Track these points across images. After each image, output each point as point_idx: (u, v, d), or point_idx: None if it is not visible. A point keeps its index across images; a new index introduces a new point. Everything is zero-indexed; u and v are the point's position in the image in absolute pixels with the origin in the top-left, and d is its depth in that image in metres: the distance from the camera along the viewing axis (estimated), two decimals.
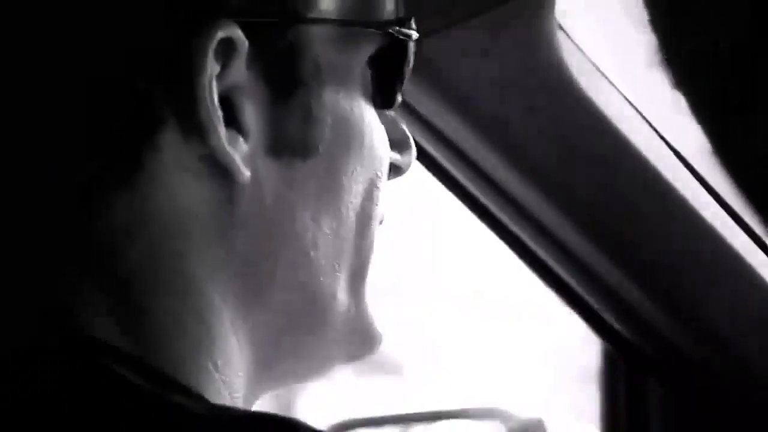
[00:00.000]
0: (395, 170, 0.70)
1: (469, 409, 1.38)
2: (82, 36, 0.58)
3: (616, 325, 1.20)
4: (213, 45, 0.58)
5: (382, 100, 0.67)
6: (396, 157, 0.70)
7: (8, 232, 0.60)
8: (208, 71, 0.58)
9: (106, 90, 0.58)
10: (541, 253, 1.16)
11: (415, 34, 0.67)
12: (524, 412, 1.32)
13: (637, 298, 1.15)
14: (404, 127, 0.71)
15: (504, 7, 0.98)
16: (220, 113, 0.58)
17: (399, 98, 0.68)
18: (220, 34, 0.58)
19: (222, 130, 0.58)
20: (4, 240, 0.60)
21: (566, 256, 1.14)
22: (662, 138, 1.09)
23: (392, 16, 0.66)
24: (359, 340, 0.68)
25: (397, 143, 0.70)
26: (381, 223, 0.68)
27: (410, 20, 0.67)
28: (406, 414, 1.42)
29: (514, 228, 1.14)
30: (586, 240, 1.12)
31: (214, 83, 0.58)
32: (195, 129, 0.58)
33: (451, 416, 1.37)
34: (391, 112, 0.69)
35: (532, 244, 1.15)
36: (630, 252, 1.13)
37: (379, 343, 0.68)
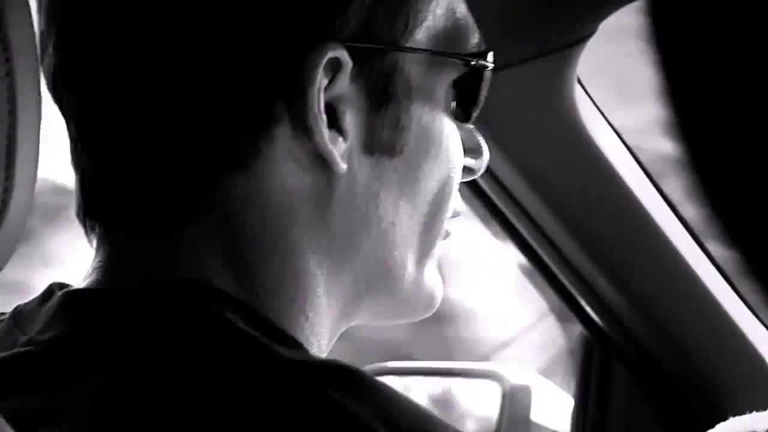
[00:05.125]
0: (469, 172, 0.76)
1: (471, 369, 1.50)
2: (226, 52, 0.64)
3: (596, 318, 1.36)
4: (323, 63, 0.64)
5: (461, 115, 0.72)
6: (470, 161, 0.75)
7: (152, 184, 0.66)
8: (317, 84, 0.64)
9: (237, 91, 0.64)
10: (545, 257, 1.32)
11: (491, 65, 0.72)
12: (515, 377, 1.43)
13: (614, 299, 1.32)
14: (479, 136, 0.76)
15: (537, 61, 1.15)
16: (324, 117, 0.65)
17: (475, 114, 0.73)
18: (330, 55, 0.64)
19: (325, 131, 0.65)
20: (146, 189, 0.66)
21: (563, 261, 1.31)
22: (647, 174, 1.26)
23: (475, 49, 0.72)
24: (421, 303, 0.74)
25: (473, 149, 0.76)
26: (456, 215, 0.75)
27: (488, 53, 0.72)
28: (423, 367, 1.53)
29: (525, 234, 1.30)
30: (580, 250, 1.29)
31: (322, 93, 0.65)
32: (304, 128, 0.65)
33: (457, 374, 1.49)
34: (469, 125, 0.75)
35: (538, 249, 1.31)
36: (613, 264, 1.29)
37: (435, 306, 0.75)
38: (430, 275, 0.74)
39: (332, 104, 0.66)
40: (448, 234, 0.75)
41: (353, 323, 0.73)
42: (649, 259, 1.28)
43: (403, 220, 0.70)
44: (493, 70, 0.73)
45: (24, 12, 0.57)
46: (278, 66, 0.64)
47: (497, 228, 1.32)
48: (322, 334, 0.68)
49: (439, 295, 0.75)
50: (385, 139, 0.68)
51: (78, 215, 0.69)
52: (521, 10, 1.11)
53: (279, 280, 0.66)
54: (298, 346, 0.63)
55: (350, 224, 0.68)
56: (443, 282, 0.75)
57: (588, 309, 1.36)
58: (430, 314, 0.75)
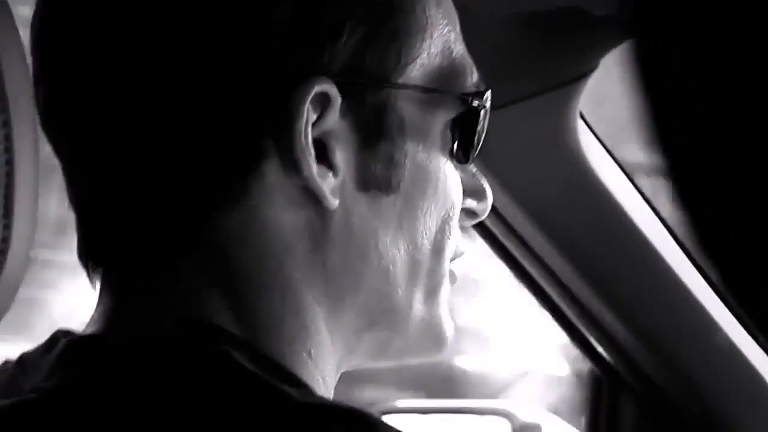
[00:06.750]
0: (473, 215, 0.75)
1: (481, 406, 1.52)
2: (211, 89, 0.64)
3: (603, 353, 1.38)
4: (310, 97, 0.64)
5: (461, 156, 0.71)
6: (473, 204, 0.75)
7: (146, 227, 0.65)
8: (304, 118, 0.64)
9: (224, 126, 0.64)
10: (552, 294, 1.33)
11: (488, 105, 0.71)
12: (525, 414, 1.45)
13: (622, 334, 1.34)
14: (482, 179, 0.75)
15: (539, 97, 1.17)
16: (312, 152, 0.64)
17: (474, 154, 0.72)
18: (317, 89, 0.64)
19: (314, 165, 0.64)
20: (140, 233, 0.66)
21: (571, 297, 1.32)
22: (652, 208, 1.26)
23: (472, 89, 0.71)
24: (431, 343, 0.73)
25: (476, 192, 0.74)
26: (459, 256, 0.74)
27: (485, 93, 0.71)
28: (433, 405, 1.55)
29: (531, 271, 1.31)
30: (587, 286, 1.29)
31: (310, 128, 0.64)
32: (292, 164, 0.64)
33: (466, 412, 1.50)
34: (471, 167, 0.74)
35: (545, 285, 1.33)
36: (620, 299, 1.30)
37: (446, 348, 0.73)
38: (441, 315, 0.73)
39: (322, 140, 0.65)
40: (454, 276, 0.74)
41: (357, 362, 0.72)
42: (656, 293, 1.28)
43: (404, 257, 0.69)
44: (494, 108, 0.73)
45: (19, 58, 0.57)
46: (265, 101, 0.64)
47: (505, 266, 1.33)
48: (327, 372, 0.68)
49: (449, 336, 0.73)
50: (379, 175, 0.67)
51: (79, 256, 0.68)
52: (522, 48, 1.12)
53: (279, 317, 0.66)
54: (305, 386, 0.63)
55: (348, 260, 0.67)
56: (454, 324, 0.74)
57: (596, 344, 1.37)
58: (439, 356, 0.74)
